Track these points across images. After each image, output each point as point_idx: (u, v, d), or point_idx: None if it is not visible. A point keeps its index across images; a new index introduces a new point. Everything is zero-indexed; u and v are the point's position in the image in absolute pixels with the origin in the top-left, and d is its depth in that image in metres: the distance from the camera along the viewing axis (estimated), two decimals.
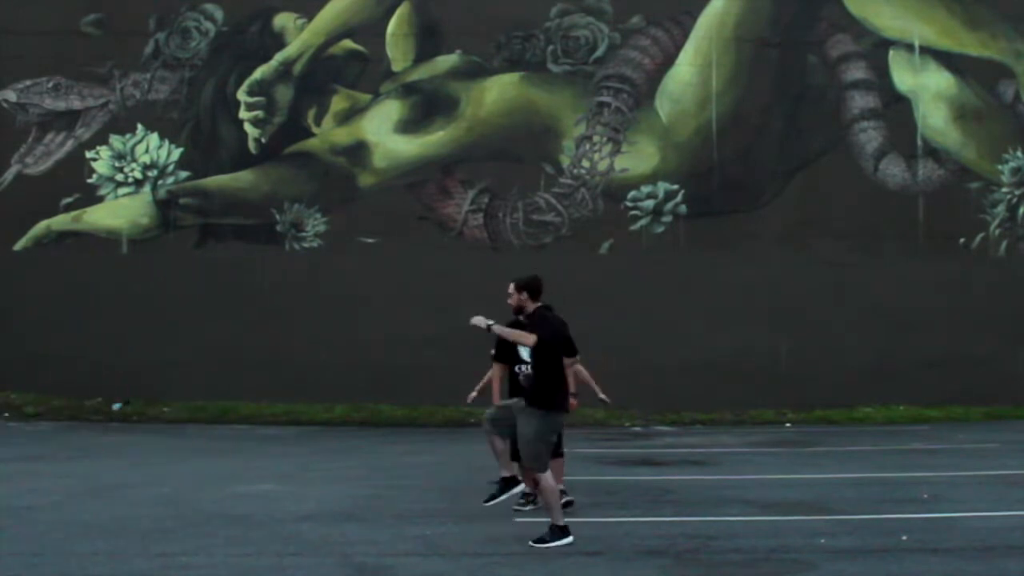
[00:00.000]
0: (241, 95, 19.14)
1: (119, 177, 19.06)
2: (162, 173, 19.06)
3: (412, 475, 11.35)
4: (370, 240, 18.90)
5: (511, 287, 7.88)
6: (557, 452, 8.44)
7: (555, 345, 7.68)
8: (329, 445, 14.58)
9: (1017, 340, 18.82)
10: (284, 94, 19.17)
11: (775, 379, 18.25)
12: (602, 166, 19.00)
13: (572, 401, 8.42)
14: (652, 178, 19.03)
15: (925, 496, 9.72)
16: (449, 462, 12.69)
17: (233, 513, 8.78)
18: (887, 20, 19.32)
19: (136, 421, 17.39)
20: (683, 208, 19.00)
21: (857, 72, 19.26)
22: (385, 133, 19.09)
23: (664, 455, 13.19)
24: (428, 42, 19.22)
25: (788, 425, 17.27)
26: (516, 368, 8.33)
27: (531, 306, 7.76)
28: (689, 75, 19.10)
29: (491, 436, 8.27)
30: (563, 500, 8.36)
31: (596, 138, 19.02)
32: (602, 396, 9.42)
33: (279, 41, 19.25)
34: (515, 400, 8.09)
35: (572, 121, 19.03)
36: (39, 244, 19.02)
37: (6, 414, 17.51)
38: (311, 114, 19.16)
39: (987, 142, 19.37)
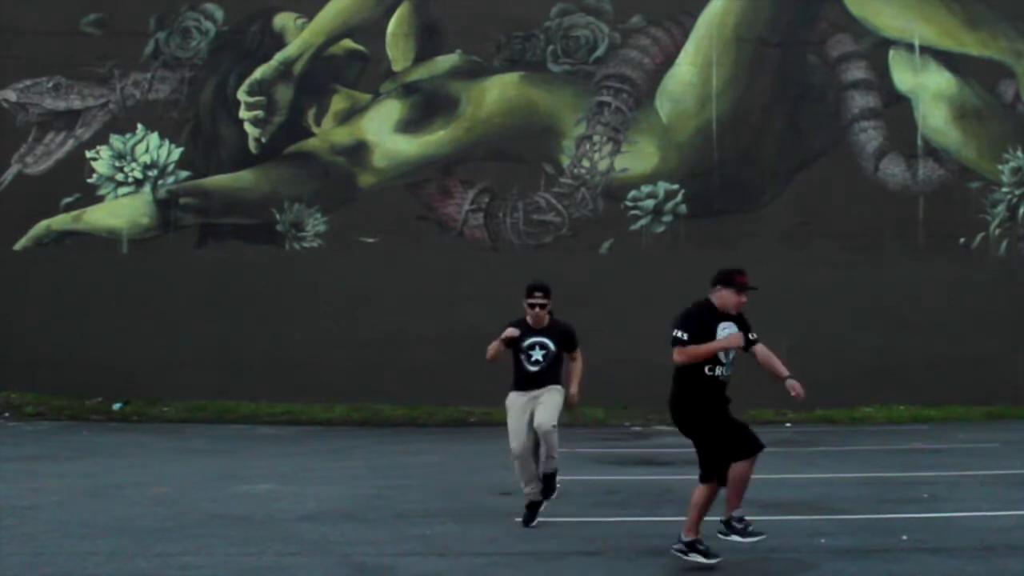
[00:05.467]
0: (241, 95, 19.14)
1: (119, 177, 19.07)
2: (162, 173, 19.06)
3: (412, 475, 11.34)
4: (370, 240, 18.90)
5: None
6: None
7: None
8: (329, 445, 14.57)
9: (1017, 340, 18.83)
10: (284, 94, 19.18)
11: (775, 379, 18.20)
12: (602, 166, 19.00)
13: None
14: (652, 178, 19.04)
15: (925, 496, 9.72)
16: (449, 462, 12.69)
17: (233, 513, 8.77)
18: (887, 20, 19.32)
19: (136, 421, 17.38)
20: (683, 208, 19.01)
21: (857, 72, 19.27)
22: (385, 133, 19.10)
23: (664, 455, 13.19)
24: (428, 42, 19.23)
25: (788, 425, 17.26)
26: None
27: None
28: (689, 75, 19.11)
29: None
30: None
31: (596, 138, 19.03)
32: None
33: (279, 41, 19.25)
34: None
35: (572, 121, 19.04)
36: (39, 244, 19.02)
37: (6, 414, 17.50)
38: (311, 114, 19.16)
39: (987, 142, 19.37)
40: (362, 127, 19.14)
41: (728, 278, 7.11)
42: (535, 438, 8.12)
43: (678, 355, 6.90)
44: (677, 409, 7.10)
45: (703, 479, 7.02)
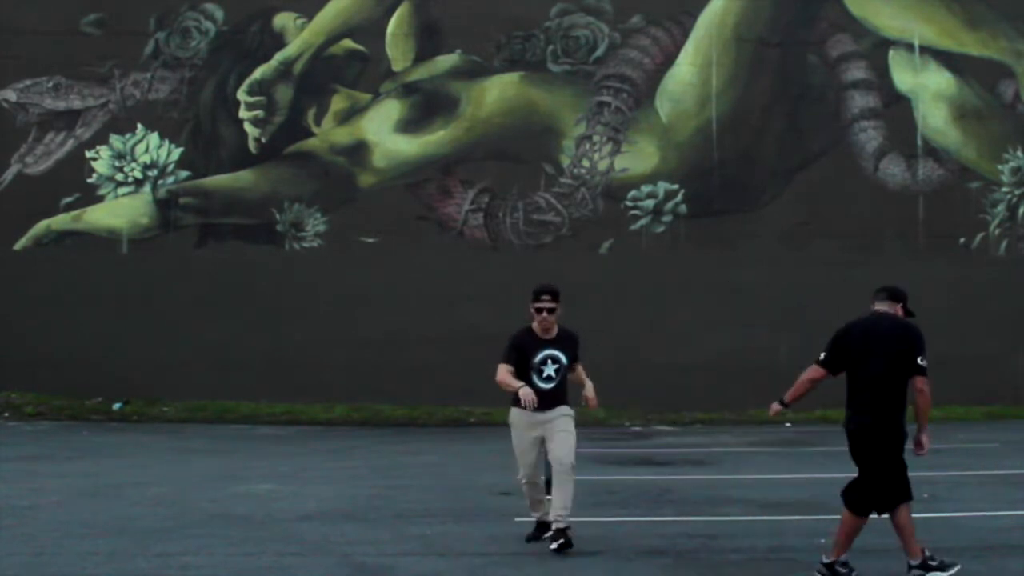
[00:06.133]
0: (241, 95, 19.14)
1: (119, 177, 19.07)
2: (162, 173, 19.07)
3: (412, 475, 11.35)
4: (370, 240, 18.90)
5: None
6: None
7: None
8: (329, 445, 14.58)
9: (1017, 340, 18.83)
10: (284, 94, 19.18)
11: (775, 379, 18.13)
12: (602, 166, 19.01)
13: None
14: (652, 178, 19.04)
15: (925, 496, 9.70)
16: (449, 462, 12.70)
17: (233, 513, 8.78)
18: (887, 20, 19.33)
19: (136, 421, 17.38)
20: (683, 208, 19.01)
21: (857, 72, 19.27)
22: (385, 133, 19.10)
23: (664, 455, 13.19)
24: (428, 42, 19.23)
25: (788, 425, 17.26)
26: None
27: None
28: (689, 75, 19.11)
29: None
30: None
31: (596, 138, 19.03)
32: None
33: (279, 41, 19.25)
34: None
35: (572, 121, 19.04)
36: (39, 244, 19.02)
37: (6, 414, 17.50)
38: (311, 114, 19.16)
39: (987, 142, 19.38)
40: (362, 127, 19.15)
41: (907, 299, 6.84)
42: (543, 456, 7.48)
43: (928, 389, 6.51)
44: (879, 431, 6.70)
45: (859, 512, 6.57)
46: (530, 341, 7.47)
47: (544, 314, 7.42)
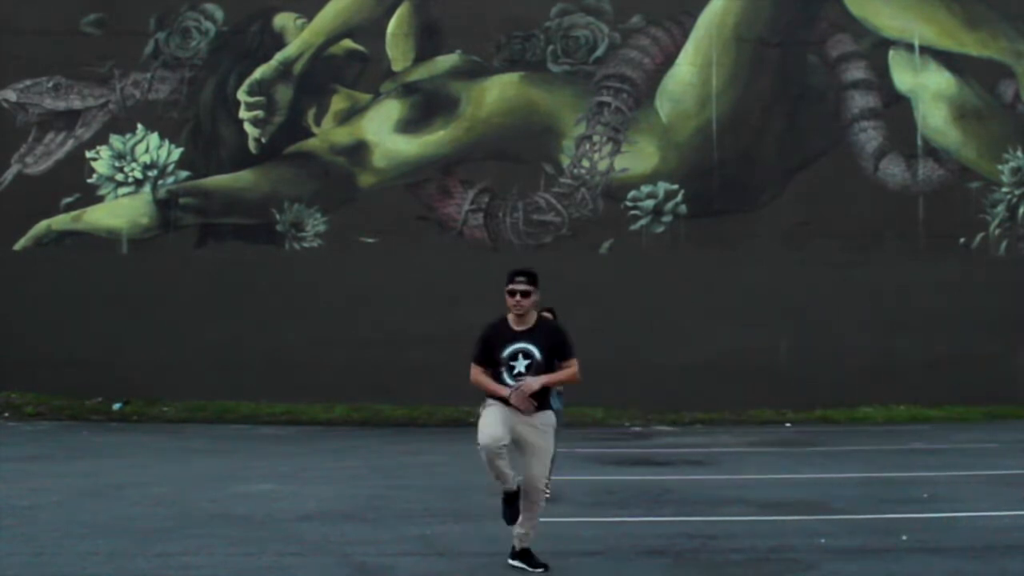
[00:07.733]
0: (241, 95, 19.15)
1: (119, 177, 19.07)
2: (162, 173, 19.07)
3: (412, 475, 11.35)
4: (370, 240, 18.91)
5: None
6: None
7: None
8: (329, 445, 14.58)
9: (1017, 340, 18.84)
10: (284, 94, 19.19)
11: (775, 379, 18.26)
12: (602, 166, 19.01)
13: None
14: (652, 178, 19.05)
15: (925, 496, 9.72)
16: (449, 462, 12.68)
17: (233, 513, 8.77)
18: (887, 20, 19.34)
19: (136, 421, 17.38)
20: (683, 208, 19.02)
21: (857, 72, 19.28)
22: (385, 133, 19.11)
23: (664, 455, 13.18)
24: (428, 42, 19.24)
25: (788, 425, 17.27)
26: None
27: None
28: (689, 75, 19.12)
29: None
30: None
31: (596, 138, 19.03)
32: None
33: (279, 41, 19.26)
34: None
35: (572, 121, 19.05)
36: (39, 244, 19.02)
37: (6, 414, 17.50)
38: (311, 114, 19.17)
39: (987, 142, 19.39)
40: (362, 127, 19.15)
41: None
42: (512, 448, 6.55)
43: None
44: None
45: None
46: (500, 333, 6.65)
47: (517, 297, 6.57)
